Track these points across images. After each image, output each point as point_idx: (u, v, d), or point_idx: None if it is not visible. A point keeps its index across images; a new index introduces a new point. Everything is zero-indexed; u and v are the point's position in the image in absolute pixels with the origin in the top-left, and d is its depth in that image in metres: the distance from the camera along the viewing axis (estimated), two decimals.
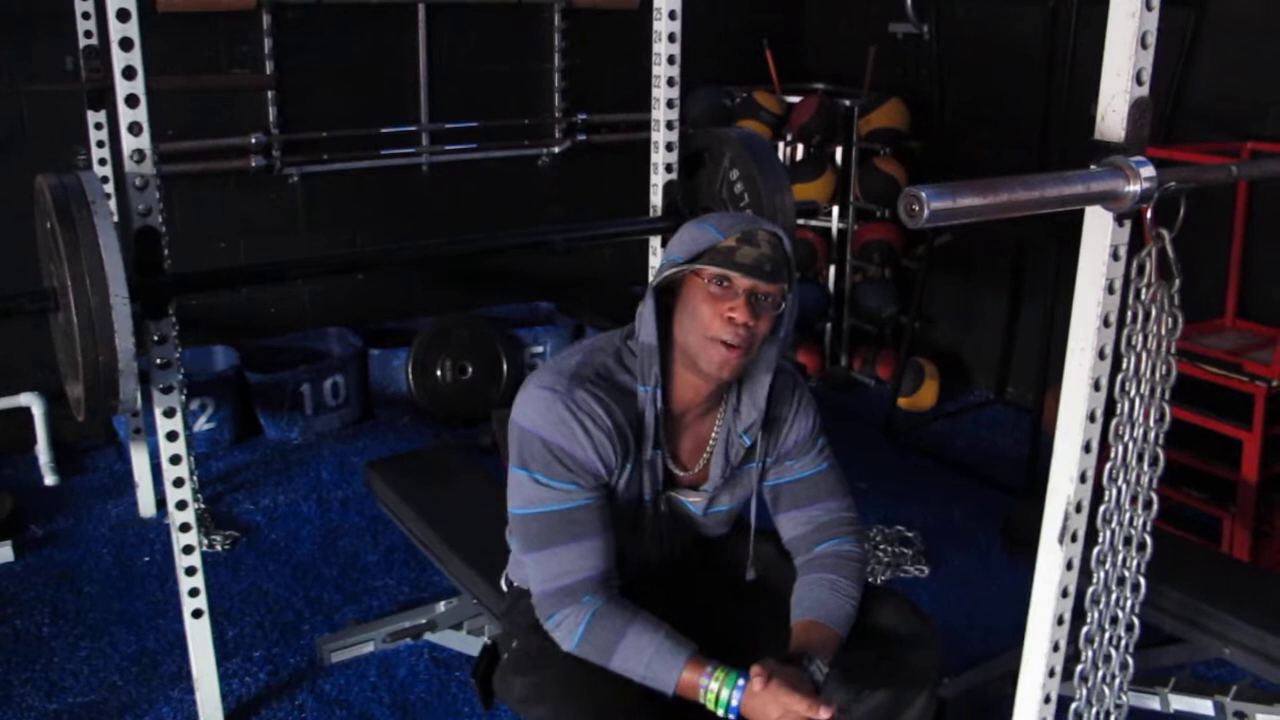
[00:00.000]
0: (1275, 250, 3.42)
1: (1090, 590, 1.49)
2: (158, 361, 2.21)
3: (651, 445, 1.76)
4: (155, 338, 2.20)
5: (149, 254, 2.14)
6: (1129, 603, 1.51)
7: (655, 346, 1.73)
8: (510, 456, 1.76)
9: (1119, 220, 1.35)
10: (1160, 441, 1.45)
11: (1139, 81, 1.30)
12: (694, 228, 1.73)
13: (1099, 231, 1.37)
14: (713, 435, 1.84)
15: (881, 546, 3.30)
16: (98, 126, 3.25)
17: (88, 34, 3.14)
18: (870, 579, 1.87)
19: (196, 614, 2.39)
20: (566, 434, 1.69)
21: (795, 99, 4.63)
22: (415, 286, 4.54)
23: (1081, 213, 1.37)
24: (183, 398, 2.81)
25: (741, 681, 1.60)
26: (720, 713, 1.61)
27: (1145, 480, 1.46)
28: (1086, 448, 1.44)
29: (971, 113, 4.35)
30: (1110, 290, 1.38)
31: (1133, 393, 1.41)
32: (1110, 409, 1.43)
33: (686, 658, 1.64)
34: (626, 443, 1.74)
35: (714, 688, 1.61)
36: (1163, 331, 1.40)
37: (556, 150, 4.67)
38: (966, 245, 4.49)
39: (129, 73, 2.08)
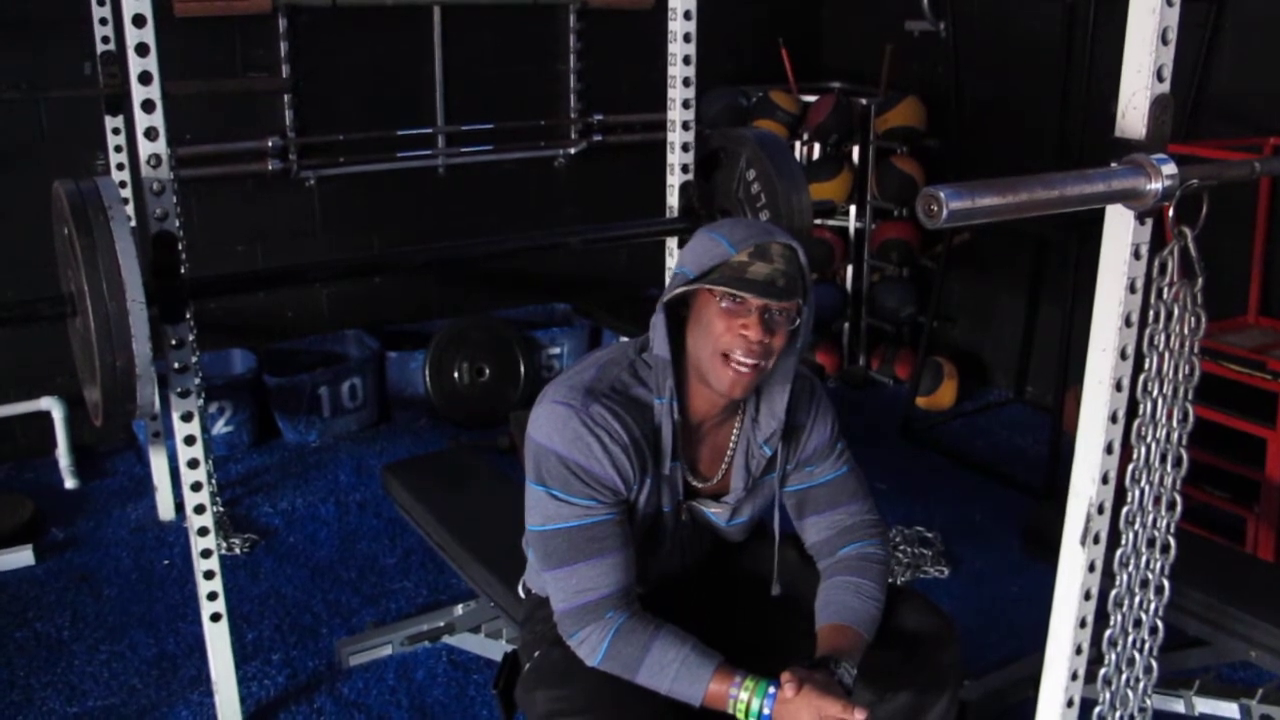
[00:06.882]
0: None
1: (1113, 593, 1.47)
2: (175, 365, 2.21)
3: (670, 458, 1.74)
4: (173, 342, 2.20)
5: (166, 258, 2.15)
6: (1153, 605, 1.49)
7: (669, 360, 1.71)
8: (527, 473, 1.74)
9: (1140, 219, 1.33)
10: (1184, 442, 1.43)
11: (1160, 78, 1.28)
12: (706, 238, 1.69)
13: (1120, 230, 1.35)
14: (731, 443, 1.82)
15: (901, 547, 3.28)
16: (115, 132, 3.27)
17: (105, 39, 3.16)
18: (890, 580, 1.86)
19: (215, 617, 2.39)
20: (583, 450, 1.67)
21: (811, 98, 4.62)
22: (432, 288, 4.55)
23: (1101, 210, 1.35)
24: (201, 401, 2.83)
25: (772, 690, 1.58)
26: None
27: (1169, 481, 1.44)
28: (1109, 449, 1.43)
29: (988, 110, 4.32)
30: (1132, 289, 1.36)
31: (1155, 393, 1.39)
32: (1132, 409, 1.41)
33: (713, 668, 1.62)
34: (644, 457, 1.72)
35: (744, 697, 1.59)
36: (1185, 331, 1.37)
37: (572, 151, 4.67)
38: (985, 244, 4.47)
39: (145, 78, 2.09)
